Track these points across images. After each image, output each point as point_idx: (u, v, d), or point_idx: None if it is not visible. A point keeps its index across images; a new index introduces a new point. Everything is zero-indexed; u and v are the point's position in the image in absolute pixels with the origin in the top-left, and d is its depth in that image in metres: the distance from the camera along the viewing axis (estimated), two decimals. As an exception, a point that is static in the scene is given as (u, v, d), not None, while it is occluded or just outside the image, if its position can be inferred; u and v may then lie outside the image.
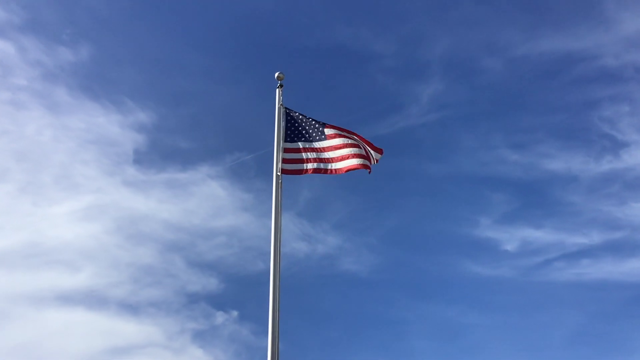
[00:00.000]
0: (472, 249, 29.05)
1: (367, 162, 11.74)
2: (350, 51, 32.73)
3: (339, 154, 11.84)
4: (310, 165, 11.81)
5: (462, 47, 33.05)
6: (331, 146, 11.92)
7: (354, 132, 12.11)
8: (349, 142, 11.89)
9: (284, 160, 11.67)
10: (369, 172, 11.73)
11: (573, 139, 31.31)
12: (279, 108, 12.15)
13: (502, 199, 30.79)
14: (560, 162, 30.51)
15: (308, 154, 11.89)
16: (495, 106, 33.14)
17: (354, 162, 11.68)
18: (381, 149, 12.15)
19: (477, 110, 33.21)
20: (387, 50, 32.73)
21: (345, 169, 11.72)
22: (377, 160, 12.05)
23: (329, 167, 11.78)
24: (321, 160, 11.85)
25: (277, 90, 12.33)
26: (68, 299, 25.07)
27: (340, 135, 11.97)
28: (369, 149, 12.05)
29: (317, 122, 12.16)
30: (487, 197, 30.96)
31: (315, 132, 12.07)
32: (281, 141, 11.84)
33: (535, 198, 30.98)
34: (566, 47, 31.38)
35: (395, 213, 30.46)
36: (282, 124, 12.02)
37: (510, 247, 28.89)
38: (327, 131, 12.05)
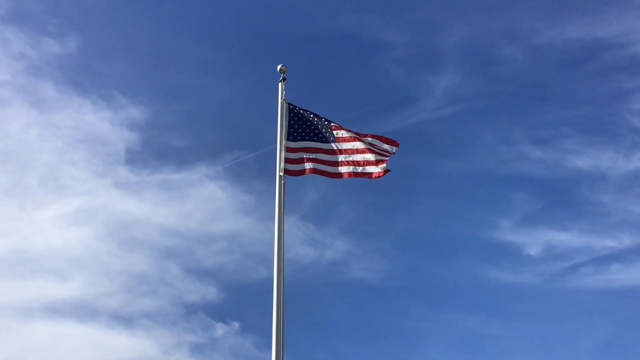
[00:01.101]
0: (492, 253, 28.95)
1: (384, 167, 11.73)
2: (358, 41, 32.72)
3: (351, 158, 11.81)
4: (317, 166, 11.78)
5: (480, 34, 32.96)
6: (342, 149, 11.87)
7: (364, 133, 12.06)
8: (362, 147, 11.85)
9: (287, 160, 11.63)
10: (386, 173, 11.75)
11: (601, 133, 31.11)
12: (281, 103, 12.12)
13: (524, 199, 30.68)
14: (587, 158, 30.34)
15: (314, 154, 11.85)
16: (516, 99, 33.03)
17: (371, 169, 11.70)
18: (397, 142, 12.08)
19: (496, 104, 33.11)
20: (398, 39, 32.68)
21: (361, 174, 11.74)
22: (394, 152, 12.01)
23: (339, 170, 11.75)
24: (329, 162, 11.83)
25: (280, 84, 12.29)
26: (56, 310, 25.11)
27: (352, 139, 11.91)
28: (384, 144, 11.99)
29: (324, 120, 12.10)
30: (508, 197, 30.85)
31: (323, 132, 12.02)
32: (284, 139, 11.81)
33: (560, 198, 30.85)
34: (593, 34, 31.20)
35: (408, 215, 30.40)
36: (285, 120, 11.99)
37: (533, 251, 28.78)
38: (337, 133, 12.00)
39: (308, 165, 11.79)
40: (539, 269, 28.17)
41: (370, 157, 11.83)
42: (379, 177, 11.82)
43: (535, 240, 29.09)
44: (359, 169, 11.80)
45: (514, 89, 33.11)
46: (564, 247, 28.52)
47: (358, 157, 11.85)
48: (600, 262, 27.55)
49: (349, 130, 12.03)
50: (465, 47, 32.62)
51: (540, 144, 31.46)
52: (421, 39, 33.11)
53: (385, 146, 12.03)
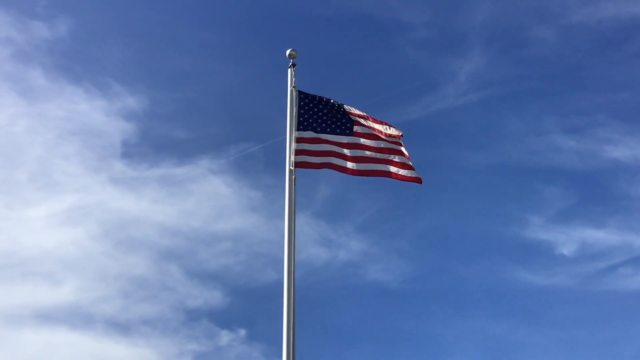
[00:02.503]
0: (522, 253, 28.91)
1: (414, 173, 11.71)
2: (374, 22, 32.69)
3: (371, 154, 11.76)
4: (331, 160, 11.76)
5: (507, 13, 32.85)
6: (360, 144, 11.81)
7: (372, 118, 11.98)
8: (388, 146, 11.79)
9: (298, 152, 11.61)
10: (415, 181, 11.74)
11: (640, 121, 30.96)
12: (291, 91, 12.10)
13: (556, 193, 30.60)
14: (625, 148, 30.18)
15: (328, 146, 11.81)
16: (547, 84, 32.93)
17: (400, 171, 11.68)
18: (399, 134, 11.95)
19: (525, 89, 33.02)
20: (417, 19, 32.62)
21: (381, 173, 11.71)
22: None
23: (356, 167, 11.70)
24: (344, 157, 11.79)
25: (290, 70, 12.27)
26: (48, 317, 25.28)
27: (373, 136, 11.82)
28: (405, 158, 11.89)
29: (338, 105, 12.02)
30: (539, 191, 30.79)
31: (337, 123, 11.95)
32: (294, 130, 11.79)
33: (596, 192, 30.77)
34: (630, 12, 31.05)
35: (429, 212, 30.38)
36: (295, 109, 11.96)
37: (567, 250, 28.71)
38: (356, 128, 11.92)
39: (321, 159, 11.76)
40: (573, 269, 28.12)
41: (393, 157, 11.78)
42: (403, 180, 11.77)
43: (568, 239, 29.03)
44: (380, 167, 11.75)
45: (544, 73, 33.03)
46: (600, 246, 28.45)
47: (378, 155, 11.79)
48: (641, 262, 27.45)
49: (366, 118, 11.94)
50: (491, 27, 32.53)
51: (573, 133, 31.36)
52: (443, 18, 33.05)
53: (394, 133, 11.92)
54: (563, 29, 31.92)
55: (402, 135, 11.83)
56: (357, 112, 12.05)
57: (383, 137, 11.87)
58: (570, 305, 27.03)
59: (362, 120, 12.01)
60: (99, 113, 30.43)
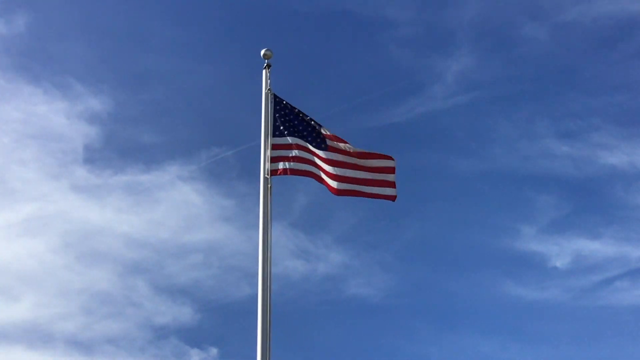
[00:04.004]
0: (513, 265, 29.11)
1: (393, 191, 11.94)
2: (355, 18, 32.78)
3: (349, 174, 11.88)
4: (309, 168, 11.85)
5: (498, 10, 33.07)
6: (337, 161, 11.92)
7: (358, 150, 12.08)
8: (361, 164, 11.95)
9: (274, 159, 11.69)
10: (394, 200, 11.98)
11: (637, 125, 31.32)
12: (266, 94, 12.18)
13: (549, 202, 30.85)
14: (622, 154, 30.50)
15: (305, 153, 11.90)
16: (540, 85, 33.18)
17: (375, 190, 11.93)
18: (393, 160, 12.14)
19: (516, 91, 33.25)
20: (402, 15, 32.77)
21: (359, 194, 11.90)
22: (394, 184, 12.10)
23: (333, 184, 11.81)
24: (322, 169, 11.89)
25: (264, 71, 12.37)
26: (3, 335, 25.17)
27: (348, 153, 11.93)
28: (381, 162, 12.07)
29: (315, 123, 12.06)
30: (531, 200, 31.02)
31: (314, 135, 12.00)
32: (269, 135, 11.88)
33: (591, 201, 31.03)
34: (628, 10, 31.37)
35: (415, 222, 30.51)
36: (270, 114, 12.03)
37: (560, 263, 28.95)
38: (330, 142, 11.99)
39: (299, 166, 11.83)
40: (567, 283, 28.35)
41: (370, 176, 11.94)
42: (382, 199, 11.97)
43: (562, 250, 29.29)
44: (357, 187, 11.89)
45: (536, 73, 33.29)
46: (595, 258, 28.70)
47: (357, 174, 11.92)
48: (638, 275, 27.77)
49: (344, 142, 12.01)
50: (480, 25, 32.76)
51: (567, 137, 31.67)
52: (429, 15, 33.26)
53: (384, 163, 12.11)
54: (556, 27, 32.24)
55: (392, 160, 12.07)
56: (333, 135, 12.06)
57: (358, 159, 11.99)
58: (563, 320, 27.28)
59: (338, 144, 12.05)
60: (59, 115, 30.32)
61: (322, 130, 12.00)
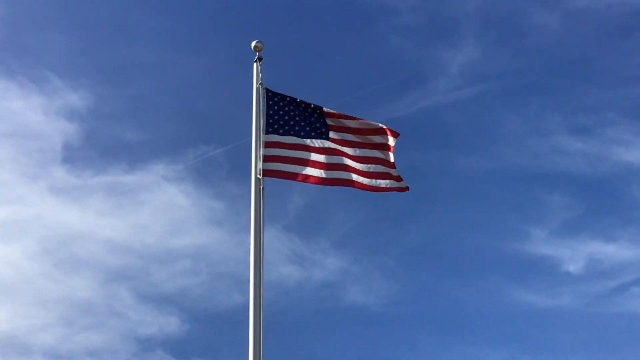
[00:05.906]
0: (523, 270, 29.25)
1: (401, 183, 12.00)
2: (354, 6, 32.90)
3: (351, 163, 11.97)
4: (306, 171, 11.90)
5: (505, -2, 33.12)
6: (339, 150, 12.02)
7: (359, 119, 12.20)
8: (367, 154, 12.03)
9: (266, 158, 11.73)
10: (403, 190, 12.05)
11: (655, 119, 31.45)
12: (257, 89, 12.23)
13: (561, 202, 30.99)
14: (638, 151, 30.66)
15: (302, 152, 11.96)
16: (551, 77, 33.33)
17: (384, 182, 11.94)
18: (396, 132, 12.19)
19: (525, 83, 33.40)
20: (403, 3, 32.88)
21: (367, 187, 11.93)
22: (392, 148, 12.15)
23: (338, 175, 11.88)
24: (320, 165, 11.92)
25: (255, 64, 12.41)
26: (-22, 348, 25.15)
27: (351, 144, 12.02)
28: (383, 138, 12.13)
29: (313, 106, 12.15)
30: (541, 200, 31.18)
31: (311, 126, 12.08)
32: (261, 132, 11.93)
33: (606, 200, 31.21)
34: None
35: (418, 224, 30.64)
36: (262, 109, 12.08)
37: (573, 267, 29.11)
38: (331, 122, 12.08)
39: (293, 168, 11.84)
40: (581, 289, 28.51)
41: (371, 167, 12.01)
42: (381, 191, 12.02)
43: (575, 254, 29.43)
44: (361, 179, 11.95)
45: (547, 65, 33.44)
46: (611, 262, 28.86)
47: (357, 165, 11.98)
48: (656, 280, 27.86)
49: (346, 117, 12.13)
50: (486, 13, 32.91)
51: (580, 133, 31.83)
52: (432, 2, 33.35)
53: (388, 140, 12.16)
54: (568, 15, 32.38)
55: (397, 136, 12.10)
56: (337, 112, 12.18)
57: (363, 142, 12.06)
58: (577, 329, 27.43)
59: (343, 121, 12.15)
60: (36, 112, 30.38)
61: (324, 110, 12.16)
